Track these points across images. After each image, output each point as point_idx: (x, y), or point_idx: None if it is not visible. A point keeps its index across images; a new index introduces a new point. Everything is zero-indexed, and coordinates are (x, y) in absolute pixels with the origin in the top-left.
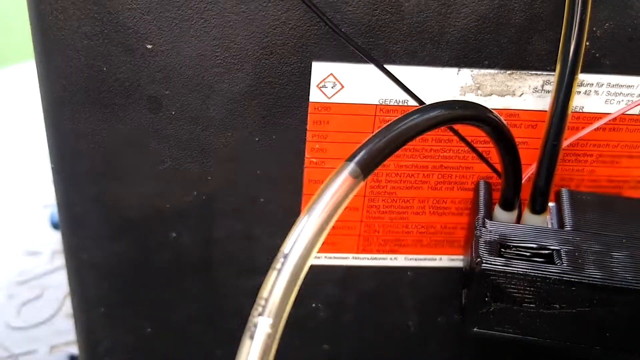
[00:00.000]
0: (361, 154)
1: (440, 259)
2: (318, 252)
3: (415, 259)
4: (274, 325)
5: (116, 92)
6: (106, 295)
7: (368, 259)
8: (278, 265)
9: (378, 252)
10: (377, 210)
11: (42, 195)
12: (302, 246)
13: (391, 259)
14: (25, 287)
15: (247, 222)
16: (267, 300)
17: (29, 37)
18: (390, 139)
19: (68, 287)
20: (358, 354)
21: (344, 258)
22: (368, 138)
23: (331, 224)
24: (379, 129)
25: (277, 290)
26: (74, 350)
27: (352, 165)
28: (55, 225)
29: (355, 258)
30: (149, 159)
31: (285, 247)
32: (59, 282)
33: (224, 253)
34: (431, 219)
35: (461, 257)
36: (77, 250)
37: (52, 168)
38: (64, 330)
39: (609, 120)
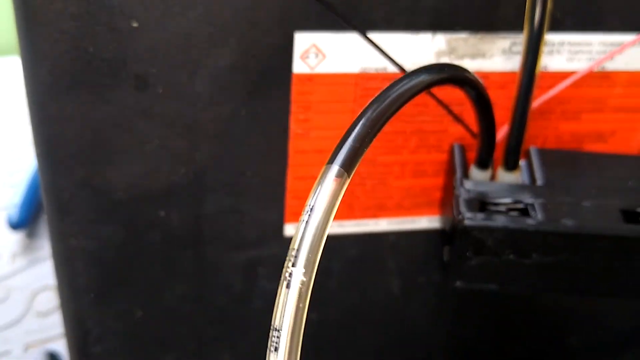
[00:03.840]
0: (342, 155)
1: (420, 221)
2: None
3: (397, 223)
4: (307, 274)
5: (103, 73)
6: (95, 282)
7: (351, 225)
8: (305, 217)
9: (361, 217)
10: (359, 177)
11: (1, 196)
12: (323, 204)
13: (374, 224)
14: None
15: (235, 196)
16: (298, 251)
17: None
18: (367, 129)
19: (55, 275)
20: (344, 319)
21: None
22: (346, 132)
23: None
24: (358, 116)
25: (306, 241)
26: (51, 347)
27: (336, 168)
28: (13, 226)
29: (340, 226)
30: (136, 139)
31: (310, 200)
32: (24, 283)
33: (212, 229)
34: (411, 182)
35: (437, 217)
36: (65, 237)
37: (37, 154)
38: (37, 329)
39: (577, 77)
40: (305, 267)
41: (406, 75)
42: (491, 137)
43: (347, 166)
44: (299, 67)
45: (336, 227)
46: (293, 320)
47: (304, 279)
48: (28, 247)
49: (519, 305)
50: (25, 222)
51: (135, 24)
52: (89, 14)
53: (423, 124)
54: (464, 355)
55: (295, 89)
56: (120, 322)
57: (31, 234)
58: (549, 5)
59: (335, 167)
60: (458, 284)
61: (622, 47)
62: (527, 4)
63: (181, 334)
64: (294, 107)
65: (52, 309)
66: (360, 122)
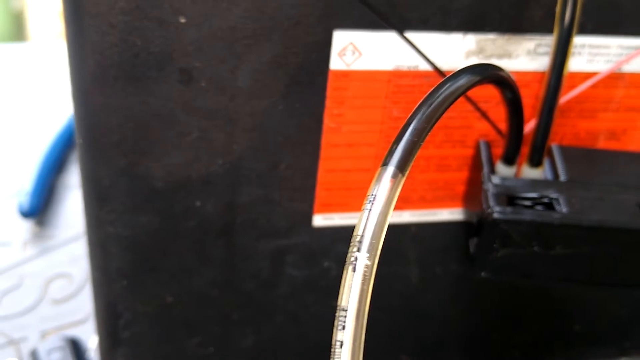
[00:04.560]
0: (397, 156)
1: (442, 213)
2: (332, 212)
3: (419, 215)
4: (371, 258)
5: (149, 66)
6: (129, 268)
7: None
8: (368, 206)
9: None
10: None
11: (11, 184)
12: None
13: (397, 215)
14: (1, 277)
15: (268, 187)
16: (362, 236)
17: None
18: (422, 125)
19: (89, 262)
20: None
21: (354, 217)
22: (400, 133)
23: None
24: (411, 117)
25: (369, 227)
26: (69, 333)
27: (392, 170)
28: (24, 214)
29: None
30: (177, 131)
31: (372, 190)
32: (37, 270)
33: (245, 218)
34: (435, 176)
35: (459, 210)
36: (101, 224)
37: (80, 143)
38: (52, 316)
39: (600, 77)
40: (369, 251)
41: (451, 76)
42: (520, 135)
43: (402, 166)
44: (336, 63)
45: None
46: (358, 301)
47: (368, 263)
48: (39, 235)
49: (528, 296)
50: (36, 210)
51: (182, 19)
52: (138, 8)
53: (449, 120)
54: (474, 342)
55: (331, 84)
56: (150, 306)
57: (42, 222)
58: (579, 9)
59: (391, 168)
60: (483, 274)
61: (639, 50)
62: (557, 7)
63: (208, 318)
64: (328, 102)
65: (67, 297)
66: (414, 120)
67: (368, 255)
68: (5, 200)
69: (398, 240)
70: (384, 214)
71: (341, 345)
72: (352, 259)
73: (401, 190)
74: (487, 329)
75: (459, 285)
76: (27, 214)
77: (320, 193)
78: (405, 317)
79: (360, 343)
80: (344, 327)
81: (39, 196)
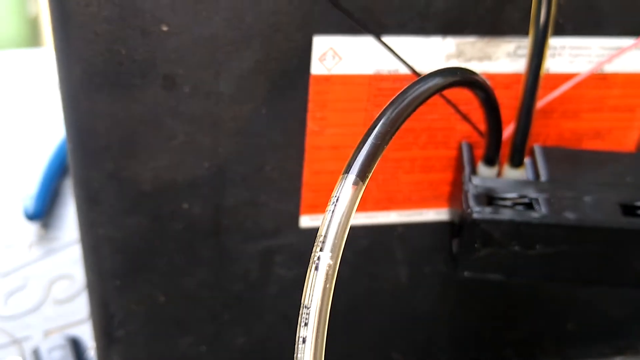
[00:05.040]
0: (358, 165)
1: (428, 213)
2: (318, 213)
3: (405, 215)
4: (333, 257)
5: (133, 73)
6: (120, 268)
7: (363, 217)
8: (331, 207)
9: (372, 209)
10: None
11: (17, 188)
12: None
13: (384, 216)
14: (7, 279)
15: (254, 189)
16: (325, 236)
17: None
18: (384, 131)
19: (83, 262)
20: (354, 306)
21: None
22: (364, 136)
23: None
24: (376, 120)
25: (332, 228)
26: (71, 332)
27: (352, 178)
28: (29, 217)
29: (353, 217)
30: (163, 135)
31: (335, 192)
32: (41, 272)
33: (232, 220)
34: (420, 176)
35: (445, 210)
36: (93, 226)
37: (70, 148)
38: (55, 316)
39: (581, 79)
40: (332, 251)
41: (421, 78)
42: (498, 136)
43: (362, 175)
44: (316, 68)
45: None
46: (321, 299)
47: (331, 262)
48: (44, 238)
49: (519, 294)
50: (40, 213)
51: (165, 28)
52: (122, 17)
53: (432, 122)
54: (465, 341)
55: (312, 88)
56: (142, 306)
57: (46, 225)
58: (553, 11)
59: (352, 176)
60: (466, 274)
61: (620, 51)
62: (532, 10)
63: (199, 318)
64: (311, 106)
65: (69, 297)
66: (379, 123)
67: (331, 254)
68: (11, 203)
69: (386, 240)
70: (347, 215)
71: (304, 341)
72: (315, 258)
73: (387, 191)
74: (478, 328)
75: (448, 284)
76: (32, 216)
77: (306, 194)
78: (396, 316)
79: (322, 339)
80: (306, 324)
81: (44, 200)
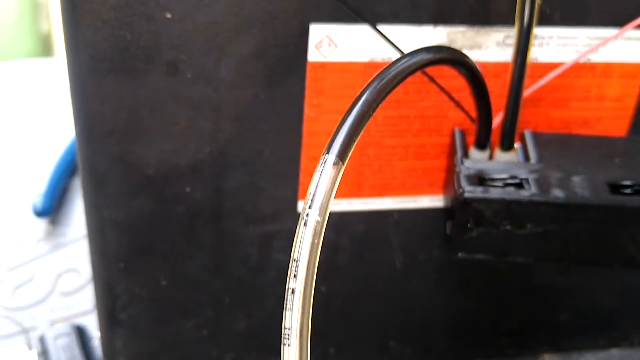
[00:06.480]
0: (337, 145)
1: (422, 200)
2: None
3: (400, 201)
4: (321, 215)
5: (138, 59)
6: (125, 251)
7: (359, 203)
8: (319, 169)
9: (368, 196)
10: (367, 158)
11: (27, 186)
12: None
13: (379, 202)
14: (14, 272)
15: (254, 173)
16: (313, 195)
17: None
18: (371, 99)
19: (88, 246)
20: (351, 293)
21: (338, 204)
22: (348, 109)
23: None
24: (364, 90)
25: (320, 187)
26: (75, 322)
27: (332, 158)
28: (37, 214)
29: (349, 203)
30: (166, 120)
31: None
32: (48, 266)
33: (232, 204)
34: (414, 163)
35: (439, 197)
36: (98, 208)
37: (77, 132)
38: (61, 308)
39: (565, 68)
40: (320, 209)
41: (407, 54)
42: (488, 118)
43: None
44: (313, 55)
45: (345, 205)
46: (309, 253)
47: (319, 219)
48: (51, 234)
49: (513, 283)
50: (49, 210)
51: (168, 15)
52: (128, 5)
53: (425, 110)
54: (461, 329)
55: (309, 75)
56: (145, 289)
57: (54, 222)
58: (538, 1)
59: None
60: (460, 255)
61: (604, 40)
62: (517, 0)
63: (201, 302)
64: (308, 92)
65: (75, 289)
66: (366, 92)
67: (319, 212)
68: (21, 200)
69: (381, 227)
70: (334, 178)
71: (293, 292)
72: (305, 215)
73: (383, 177)
74: (473, 316)
75: (443, 272)
76: (40, 213)
77: (303, 180)
78: (392, 304)
79: (310, 291)
80: (295, 276)
81: (52, 197)
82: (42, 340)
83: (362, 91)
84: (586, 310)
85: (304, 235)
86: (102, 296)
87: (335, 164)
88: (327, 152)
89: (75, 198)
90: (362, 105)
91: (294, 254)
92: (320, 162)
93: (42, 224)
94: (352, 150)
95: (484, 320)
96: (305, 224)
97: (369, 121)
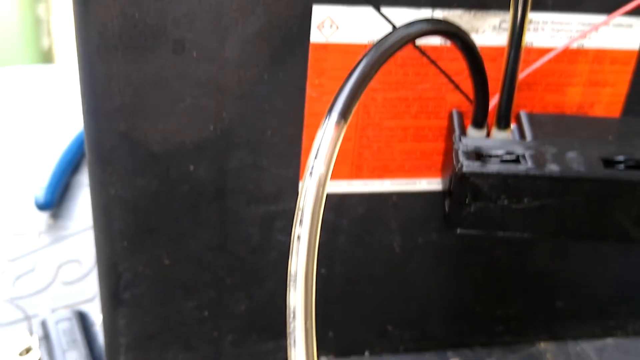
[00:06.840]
0: (340, 104)
1: (420, 182)
2: None
3: (399, 184)
4: (325, 166)
5: (146, 36)
6: (129, 229)
7: (359, 184)
8: (322, 130)
9: (368, 177)
10: (367, 139)
11: (29, 180)
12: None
13: (379, 184)
14: (16, 263)
15: (257, 153)
16: (318, 150)
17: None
18: (371, 62)
19: (93, 224)
20: (350, 275)
21: (339, 185)
22: (345, 81)
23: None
24: (363, 56)
25: (323, 144)
26: (76, 308)
27: (335, 115)
28: (39, 207)
29: (349, 185)
30: (171, 98)
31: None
32: (49, 258)
33: (235, 183)
34: (412, 145)
35: (437, 180)
36: (104, 186)
37: (84, 110)
38: (62, 296)
39: (555, 53)
40: (324, 162)
41: (405, 24)
42: (485, 93)
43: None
44: (315, 36)
45: (346, 186)
46: (314, 201)
47: (322, 171)
48: (53, 227)
49: (511, 269)
50: (51, 203)
51: None
52: None
53: (423, 92)
54: (459, 315)
55: (311, 56)
56: (149, 268)
57: (56, 215)
58: None
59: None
60: (458, 231)
61: (593, 27)
62: None
63: (203, 282)
64: (310, 73)
65: (76, 279)
66: (365, 57)
67: (323, 164)
68: (23, 194)
69: (380, 209)
70: (337, 133)
71: (299, 238)
72: (310, 167)
73: (382, 159)
74: (470, 302)
75: (441, 256)
76: (42, 206)
77: (305, 159)
78: (391, 288)
79: (315, 237)
80: (301, 222)
81: (54, 191)
82: (43, 325)
83: (364, 55)
84: (582, 299)
85: (309, 185)
86: (105, 275)
87: (337, 122)
88: (331, 110)
89: (77, 193)
90: (365, 66)
91: (300, 202)
92: (325, 119)
93: (44, 217)
94: (354, 109)
95: (481, 306)
96: (310, 174)
97: (369, 85)
